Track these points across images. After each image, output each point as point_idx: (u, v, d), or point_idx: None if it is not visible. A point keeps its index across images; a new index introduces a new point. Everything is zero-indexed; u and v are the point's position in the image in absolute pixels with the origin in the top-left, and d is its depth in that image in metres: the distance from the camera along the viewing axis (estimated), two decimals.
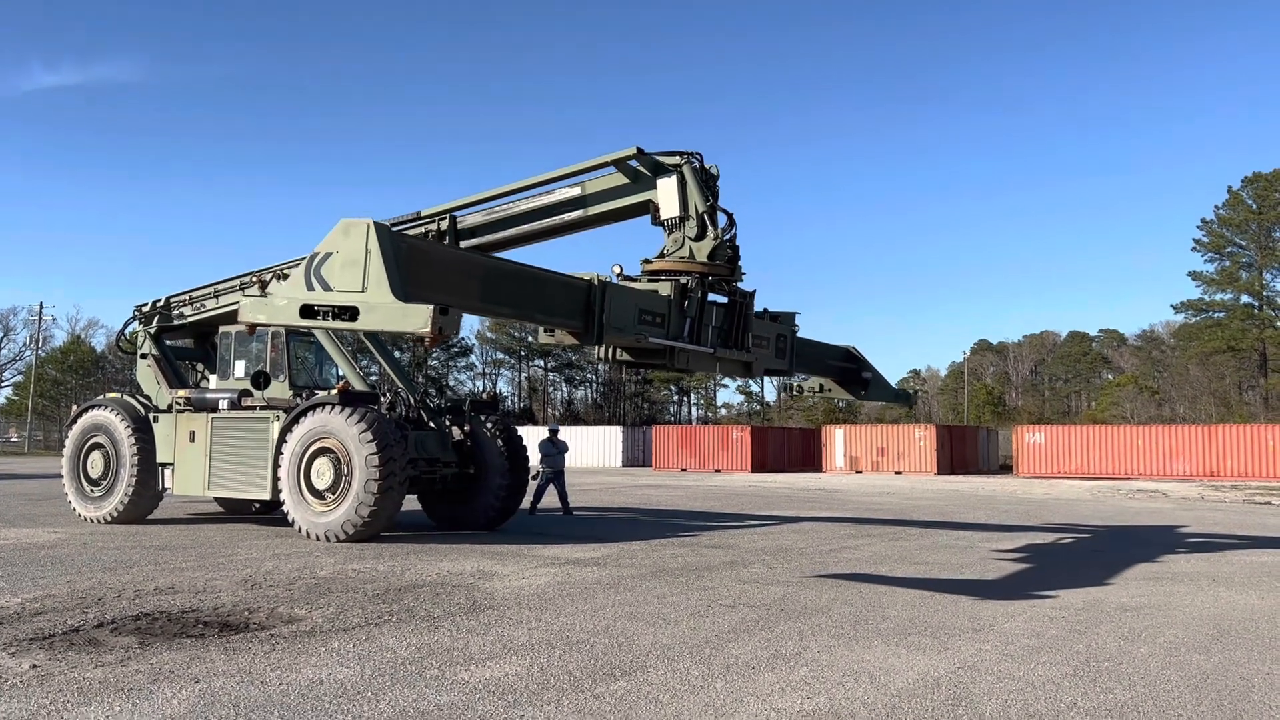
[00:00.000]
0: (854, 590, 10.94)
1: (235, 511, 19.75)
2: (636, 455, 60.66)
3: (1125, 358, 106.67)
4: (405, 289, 8.38)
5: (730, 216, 11.28)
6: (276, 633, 8.23)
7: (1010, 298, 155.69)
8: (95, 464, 17.72)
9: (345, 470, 14.67)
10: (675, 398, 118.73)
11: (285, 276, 16.63)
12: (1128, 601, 10.40)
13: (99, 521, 17.34)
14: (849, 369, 14.67)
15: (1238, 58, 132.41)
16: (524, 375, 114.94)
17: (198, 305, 18.45)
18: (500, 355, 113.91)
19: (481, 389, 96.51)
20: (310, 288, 8.59)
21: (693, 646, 7.88)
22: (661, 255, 11.11)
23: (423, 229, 13.13)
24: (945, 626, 8.85)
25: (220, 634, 8.20)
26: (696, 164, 11.25)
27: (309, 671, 6.85)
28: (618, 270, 10.73)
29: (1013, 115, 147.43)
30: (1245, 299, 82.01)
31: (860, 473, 52.04)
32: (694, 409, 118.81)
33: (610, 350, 10.85)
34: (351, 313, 8.18)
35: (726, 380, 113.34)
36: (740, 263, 11.25)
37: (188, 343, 19.76)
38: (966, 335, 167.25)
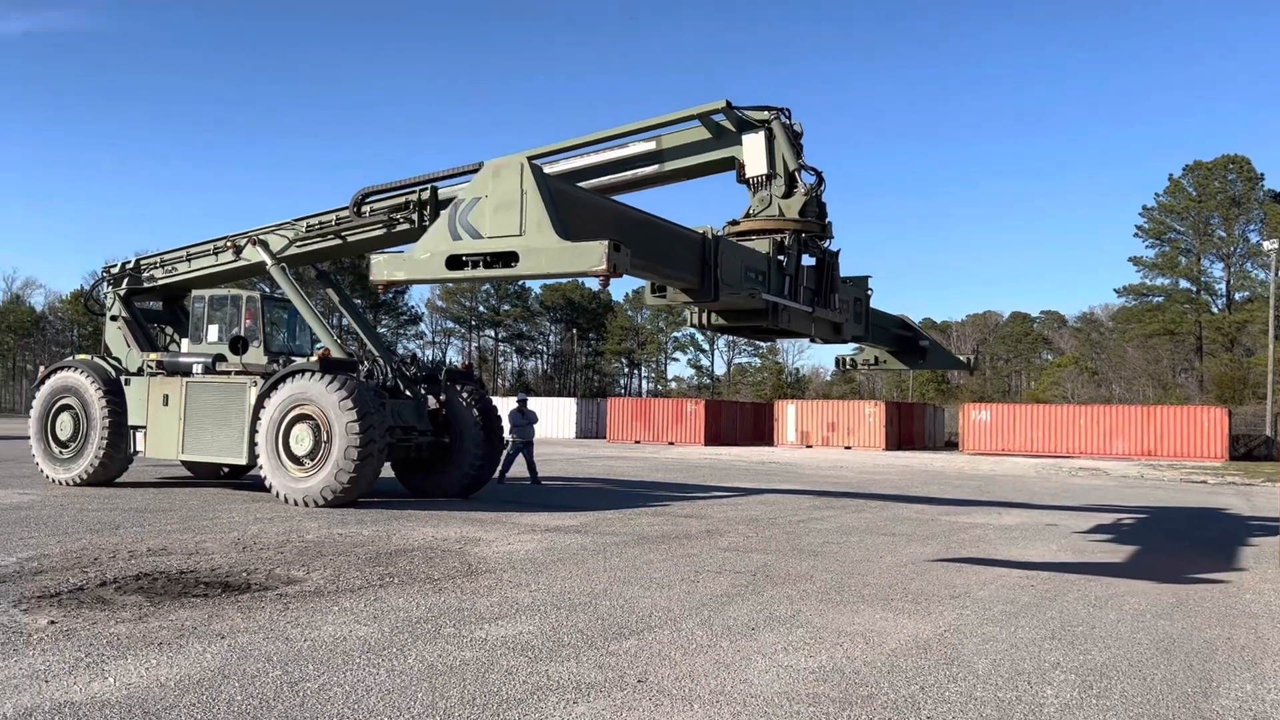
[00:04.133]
0: (832, 559, 11.39)
1: (203, 476, 19.71)
2: (590, 427, 60.97)
3: (1065, 339, 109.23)
4: (566, 228, 7.76)
5: (819, 174, 10.97)
6: (283, 593, 8.43)
7: (955, 278, 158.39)
8: (64, 426, 17.57)
9: (325, 437, 14.77)
10: (626, 370, 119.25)
11: (263, 242, 16.65)
12: (1088, 571, 10.97)
13: (68, 484, 17.23)
14: (906, 337, 14.27)
15: (1194, 42, 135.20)
16: (474, 345, 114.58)
17: (169, 268, 18.34)
18: (450, 324, 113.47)
19: (430, 359, 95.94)
20: (456, 237, 7.93)
21: (690, 609, 8.23)
22: (748, 215, 10.75)
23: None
24: (924, 593, 9.31)
25: (226, 593, 8.37)
26: (785, 120, 10.96)
27: (329, 629, 7.08)
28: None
29: (963, 95, 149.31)
30: (1184, 284, 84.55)
31: (811, 447, 52.93)
32: (644, 382, 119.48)
33: (706, 315, 10.61)
34: (508, 259, 7.64)
35: (677, 354, 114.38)
36: (828, 220, 10.94)
37: (156, 305, 19.60)
38: (912, 314, 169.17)
